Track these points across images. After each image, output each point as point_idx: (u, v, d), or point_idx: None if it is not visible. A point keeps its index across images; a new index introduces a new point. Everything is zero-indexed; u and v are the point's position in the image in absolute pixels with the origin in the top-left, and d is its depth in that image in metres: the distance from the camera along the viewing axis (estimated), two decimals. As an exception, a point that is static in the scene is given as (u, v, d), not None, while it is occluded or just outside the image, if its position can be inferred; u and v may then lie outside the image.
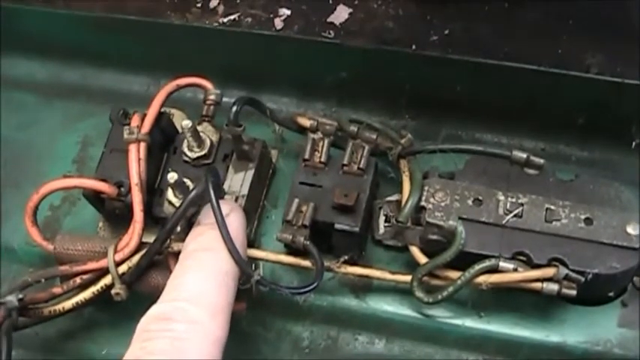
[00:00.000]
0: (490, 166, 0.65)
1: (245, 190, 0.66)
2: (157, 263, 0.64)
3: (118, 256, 0.63)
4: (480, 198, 0.63)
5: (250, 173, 0.67)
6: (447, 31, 0.72)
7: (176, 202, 0.65)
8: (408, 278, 0.63)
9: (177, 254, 0.61)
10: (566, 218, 0.62)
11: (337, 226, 0.64)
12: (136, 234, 0.63)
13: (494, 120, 0.72)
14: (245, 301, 0.64)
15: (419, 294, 0.63)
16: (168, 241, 0.62)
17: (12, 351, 0.60)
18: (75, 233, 0.67)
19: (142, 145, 0.64)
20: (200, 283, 0.56)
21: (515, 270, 0.60)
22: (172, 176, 0.62)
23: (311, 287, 0.61)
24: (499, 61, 0.68)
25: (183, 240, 0.61)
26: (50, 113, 0.80)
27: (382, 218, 0.67)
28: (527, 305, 0.65)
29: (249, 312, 0.65)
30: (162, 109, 0.67)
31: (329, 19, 0.74)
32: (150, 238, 0.63)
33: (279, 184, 0.71)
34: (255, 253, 0.64)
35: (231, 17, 0.75)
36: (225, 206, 0.60)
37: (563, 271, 0.60)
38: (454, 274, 0.62)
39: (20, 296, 0.62)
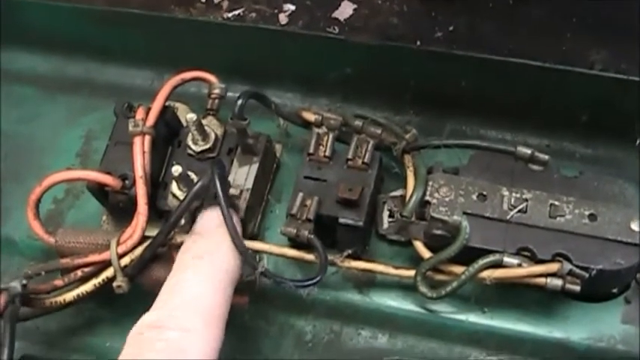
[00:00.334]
0: (494, 161, 0.65)
1: (249, 184, 0.66)
2: (159, 257, 0.63)
3: (121, 249, 0.63)
4: (485, 193, 0.63)
5: (255, 167, 0.67)
6: (451, 28, 0.72)
7: (180, 195, 0.65)
8: (411, 273, 0.63)
9: (180, 247, 0.60)
10: (570, 214, 0.62)
11: (341, 220, 0.63)
12: (139, 226, 0.63)
13: (499, 116, 0.72)
14: (247, 294, 0.64)
15: (423, 289, 0.63)
16: (172, 233, 0.62)
17: (15, 338, 0.60)
18: (77, 227, 0.67)
19: (147, 137, 0.64)
20: (195, 290, 0.56)
21: (519, 265, 0.60)
22: (177, 169, 0.62)
23: (314, 281, 0.61)
24: (504, 57, 0.68)
25: (187, 232, 0.61)
26: (53, 107, 0.80)
27: (386, 213, 0.67)
28: (531, 301, 0.65)
29: (251, 306, 0.65)
30: (167, 103, 0.67)
31: (334, 15, 0.74)
32: (153, 232, 0.63)
33: (284, 179, 0.71)
34: (258, 245, 0.64)
35: (236, 12, 0.75)
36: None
37: (567, 266, 0.60)
38: (458, 269, 0.62)
39: (24, 282, 0.61)
